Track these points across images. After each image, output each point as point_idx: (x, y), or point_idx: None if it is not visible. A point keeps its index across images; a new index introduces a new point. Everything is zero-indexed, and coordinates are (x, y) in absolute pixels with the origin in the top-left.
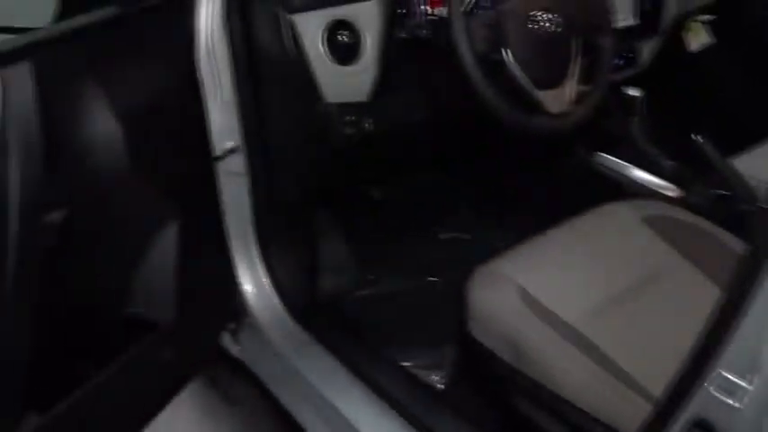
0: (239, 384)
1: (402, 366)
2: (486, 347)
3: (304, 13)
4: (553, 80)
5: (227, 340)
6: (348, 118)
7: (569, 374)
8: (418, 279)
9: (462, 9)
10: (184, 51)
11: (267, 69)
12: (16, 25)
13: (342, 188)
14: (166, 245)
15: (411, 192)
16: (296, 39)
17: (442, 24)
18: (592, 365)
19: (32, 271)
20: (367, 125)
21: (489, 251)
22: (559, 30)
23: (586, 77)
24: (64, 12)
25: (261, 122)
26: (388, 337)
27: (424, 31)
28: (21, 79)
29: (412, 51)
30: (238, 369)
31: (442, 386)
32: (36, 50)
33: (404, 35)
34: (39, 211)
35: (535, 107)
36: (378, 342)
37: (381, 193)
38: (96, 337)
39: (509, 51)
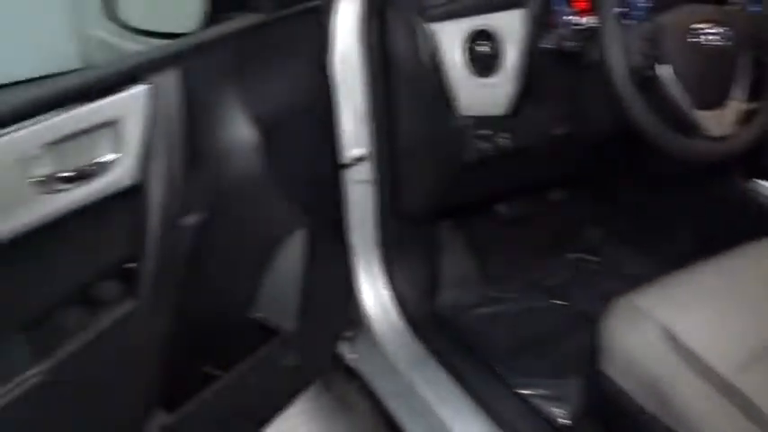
0: (353, 392)
1: (522, 394)
2: (620, 387)
3: (443, 23)
4: (715, 100)
5: (343, 348)
6: (483, 132)
7: (717, 430)
8: (542, 301)
9: (616, 20)
10: (319, 58)
11: (401, 78)
12: (167, 30)
13: (468, 202)
14: (293, 252)
15: (540, 209)
16: (433, 49)
17: (592, 35)
18: (744, 422)
19: (171, 273)
20: (502, 140)
21: (619, 277)
22: (729, 44)
23: (751, 97)
24: (211, 18)
25: (391, 132)
26: (507, 360)
27: (571, 43)
28: (170, 85)
29: (556, 63)
30: (353, 377)
31: (566, 421)
32: (184, 57)
33: (548, 46)
34: (179, 213)
35: (692, 128)
36: (497, 364)
37: (509, 209)
38: (223, 340)
39: (667, 67)
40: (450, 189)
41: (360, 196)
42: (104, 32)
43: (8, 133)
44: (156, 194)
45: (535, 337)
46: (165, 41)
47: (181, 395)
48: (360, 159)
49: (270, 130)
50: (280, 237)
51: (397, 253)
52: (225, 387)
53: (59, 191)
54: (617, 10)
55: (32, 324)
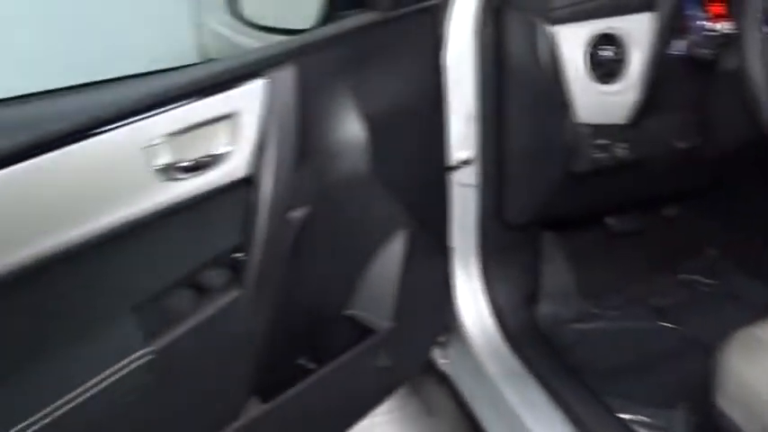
0: (441, 397)
1: (621, 419)
2: (734, 424)
3: (566, 25)
4: None
5: (435, 352)
6: (600, 141)
7: None
8: (648, 321)
9: (759, 27)
10: (432, 58)
11: (515, 81)
12: (286, 27)
13: (576, 213)
14: (393, 252)
15: (652, 224)
16: (553, 52)
17: (728, 42)
18: None
19: (275, 265)
20: (620, 150)
21: (736, 304)
22: None
23: None
24: (328, 16)
25: (500, 135)
26: (607, 381)
27: (704, 50)
28: (285, 82)
29: (685, 71)
30: (442, 382)
31: None
32: (301, 54)
33: (677, 53)
34: (287, 207)
35: None
36: (595, 384)
37: (619, 223)
38: (319, 335)
39: None
40: (558, 198)
41: (463, 200)
42: (221, 27)
43: (136, 122)
44: (267, 187)
45: (639, 359)
46: (284, 38)
47: (275, 386)
48: (465, 162)
49: (379, 128)
50: (381, 236)
51: (497, 260)
52: (317, 382)
53: (178, 179)
54: (760, 16)
55: (145, 305)
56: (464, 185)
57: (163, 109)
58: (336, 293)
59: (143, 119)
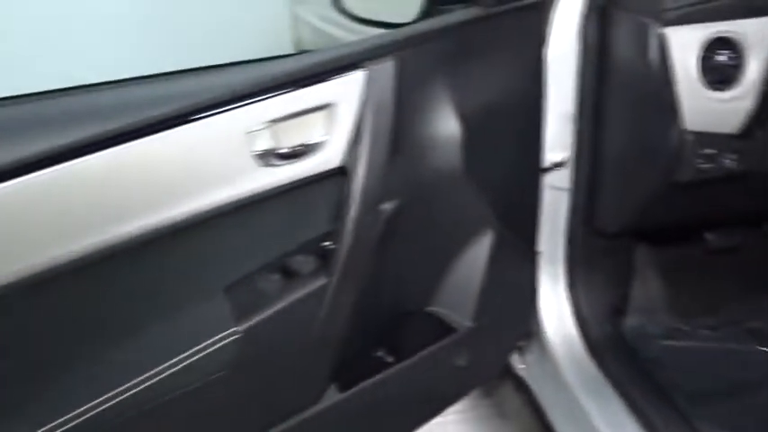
0: (515, 401)
1: None
2: None
3: (680, 27)
4: None
5: (513, 356)
6: (707, 150)
7: None
8: (745, 344)
9: None
10: (534, 56)
11: (619, 82)
12: (386, 20)
13: (672, 224)
14: (480, 252)
15: (754, 242)
16: (663, 54)
17: None
18: None
19: (363, 256)
20: (728, 161)
21: None
22: None
23: None
24: (430, 10)
25: (597, 138)
26: (694, 403)
27: None
28: (384, 74)
29: None
30: (518, 386)
31: None
32: (401, 48)
33: None
34: (378, 198)
35: None
36: (681, 405)
37: (717, 238)
38: (399, 328)
39: None
40: (655, 208)
41: (554, 204)
42: (315, 18)
43: (239, 107)
44: (360, 178)
45: (731, 383)
46: (384, 31)
47: (353, 376)
48: (559, 165)
49: (475, 126)
50: (468, 235)
51: (585, 268)
52: (394, 376)
53: (275, 165)
54: None
55: (236, 287)
56: (556, 189)
57: (265, 96)
58: (419, 289)
59: (246, 105)
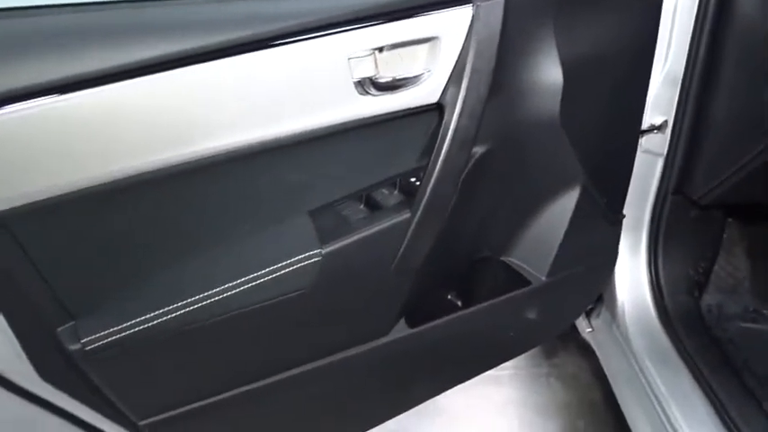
0: (574, 364)
1: None
2: None
3: None
4: None
5: (581, 319)
6: None
7: None
8: None
9: None
10: (650, 7)
11: (737, 44)
12: None
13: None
14: (564, 206)
15: None
16: None
17: None
18: None
19: (447, 195)
20: None
21: None
22: None
23: None
24: None
25: (703, 103)
26: (765, 387)
27: None
28: (492, 13)
29: None
30: (581, 350)
31: None
32: None
33: None
34: (471, 139)
35: None
36: (754, 387)
37: None
38: (473, 274)
39: None
40: (753, 183)
41: (645, 168)
42: None
43: (343, 32)
44: (455, 117)
45: None
46: None
47: (423, 314)
48: (657, 128)
49: (578, 75)
50: (555, 188)
51: (668, 238)
52: (463, 320)
53: (372, 95)
54: None
55: (322, 211)
56: (649, 153)
57: (370, 23)
58: (498, 236)
59: (351, 30)
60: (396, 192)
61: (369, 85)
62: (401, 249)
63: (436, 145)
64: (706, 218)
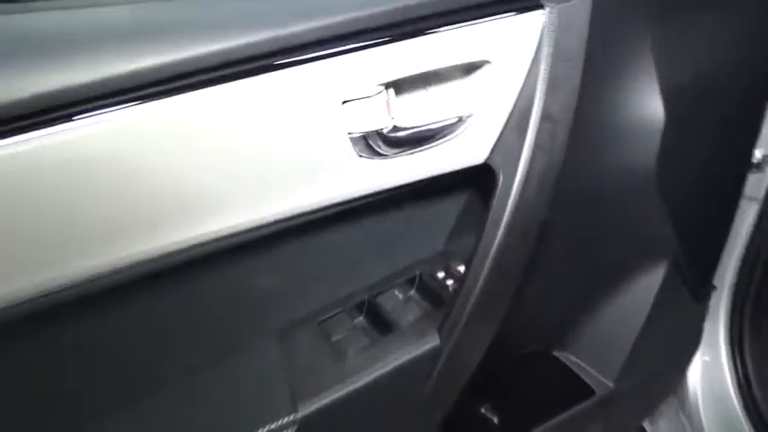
0: None
1: None
2: None
3: None
4: None
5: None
6: None
7: None
8: None
9: None
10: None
11: None
12: None
13: None
14: (646, 289)
15: None
16: None
17: None
18: None
19: (498, 305)
20: None
21: None
22: None
23: None
24: None
25: None
26: None
27: None
28: (574, 21)
29: None
30: None
31: None
32: None
33: None
34: (536, 220)
35: None
36: None
37: None
38: (517, 374)
39: None
40: None
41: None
42: None
43: (330, 57)
44: (515, 186)
45: None
46: None
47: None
48: (756, 165)
49: (678, 112)
50: (636, 264)
51: (758, 307)
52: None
53: (382, 156)
54: None
55: (296, 337)
56: (746, 198)
57: (373, 41)
58: (553, 324)
59: (343, 54)
60: (414, 294)
61: (377, 141)
62: (428, 388)
63: (485, 229)
64: None
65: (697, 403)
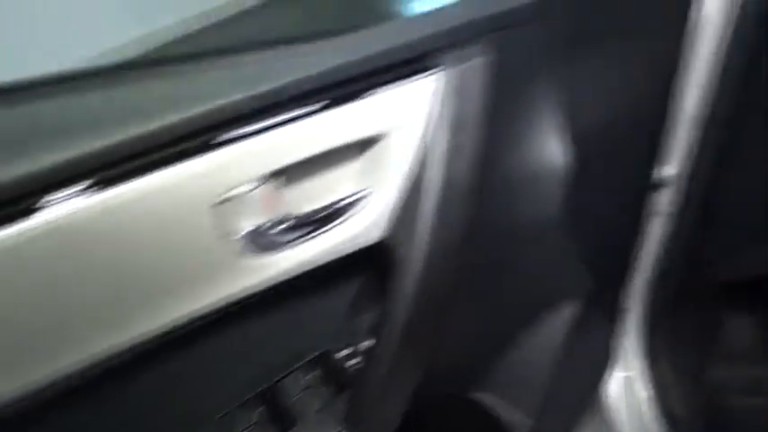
0: None
1: None
2: None
3: None
4: None
5: None
6: None
7: None
8: None
9: None
10: (670, 41)
11: None
12: None
13: None
14: (557, 322)
15: None
16: None
17: None
18: None
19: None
20: None
21: None
22: None
23: None
24: None
25: (731, 146)
26: None
27: None
28: (470, 81)
29: None
30: None
31: None
32: (491, 29)
33: None
34: (441, 295)
35: None
36: None
37: None
38: (431, 422)
39: None
40: None
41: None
42: None
43: (197, 155)
44: (414, 263)
45: None
46: None
47: None
48: (660, 183)
49: (584, 151)
50: (548, 301)
51: (670, 327)
52: None
53: (269, 251)
54: None
55: None
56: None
57: (252, 125)
58: (466, 368)
59: (205, 151)
60: (317, 375)
61: (265, 234)
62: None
63: (391, 302)
64: (722, 297)
65: (616, 415)
